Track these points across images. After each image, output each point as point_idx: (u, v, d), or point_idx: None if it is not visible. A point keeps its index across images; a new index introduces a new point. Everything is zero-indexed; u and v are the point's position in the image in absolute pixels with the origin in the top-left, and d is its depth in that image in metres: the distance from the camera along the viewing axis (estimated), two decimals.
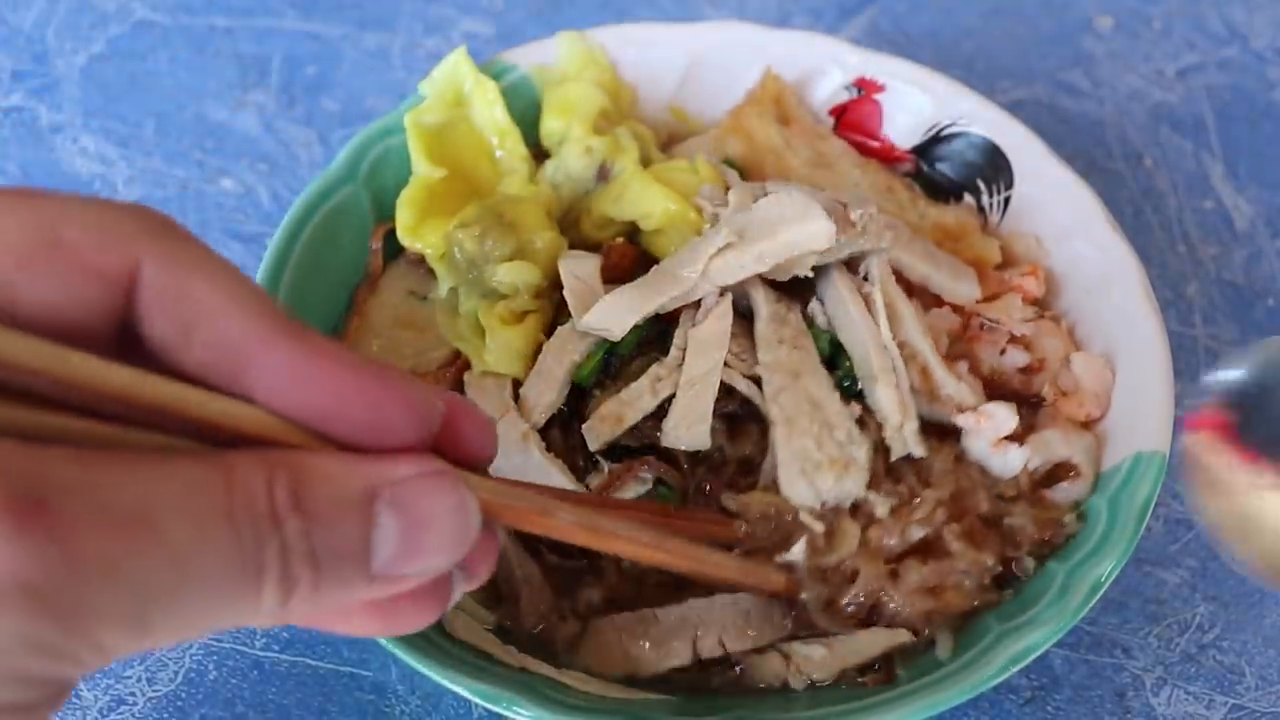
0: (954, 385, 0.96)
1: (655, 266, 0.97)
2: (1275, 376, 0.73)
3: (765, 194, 0.99)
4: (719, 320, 0.95)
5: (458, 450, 0.58)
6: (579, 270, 0.98)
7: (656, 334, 0.97)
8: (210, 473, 0.48)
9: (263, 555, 0.49)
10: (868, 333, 0.95)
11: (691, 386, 0.92)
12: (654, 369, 0.94)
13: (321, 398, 0.52)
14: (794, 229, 0.94)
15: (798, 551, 0.88)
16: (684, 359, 0.94)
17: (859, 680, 0.89)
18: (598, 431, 0.93)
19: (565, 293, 0.96)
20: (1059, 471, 0.97)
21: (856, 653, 0.89)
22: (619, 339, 0.95)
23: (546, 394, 0.95)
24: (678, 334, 0.95)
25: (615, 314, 0.94)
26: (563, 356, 0.96)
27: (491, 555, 0.61)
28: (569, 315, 0.99)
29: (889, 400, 0.93)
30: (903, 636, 0.90)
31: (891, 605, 0.89)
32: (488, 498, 0.58)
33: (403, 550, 0.52)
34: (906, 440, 0.93)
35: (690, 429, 0.92)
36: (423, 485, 0.53)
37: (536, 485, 0.75)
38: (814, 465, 0.89)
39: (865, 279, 0.98)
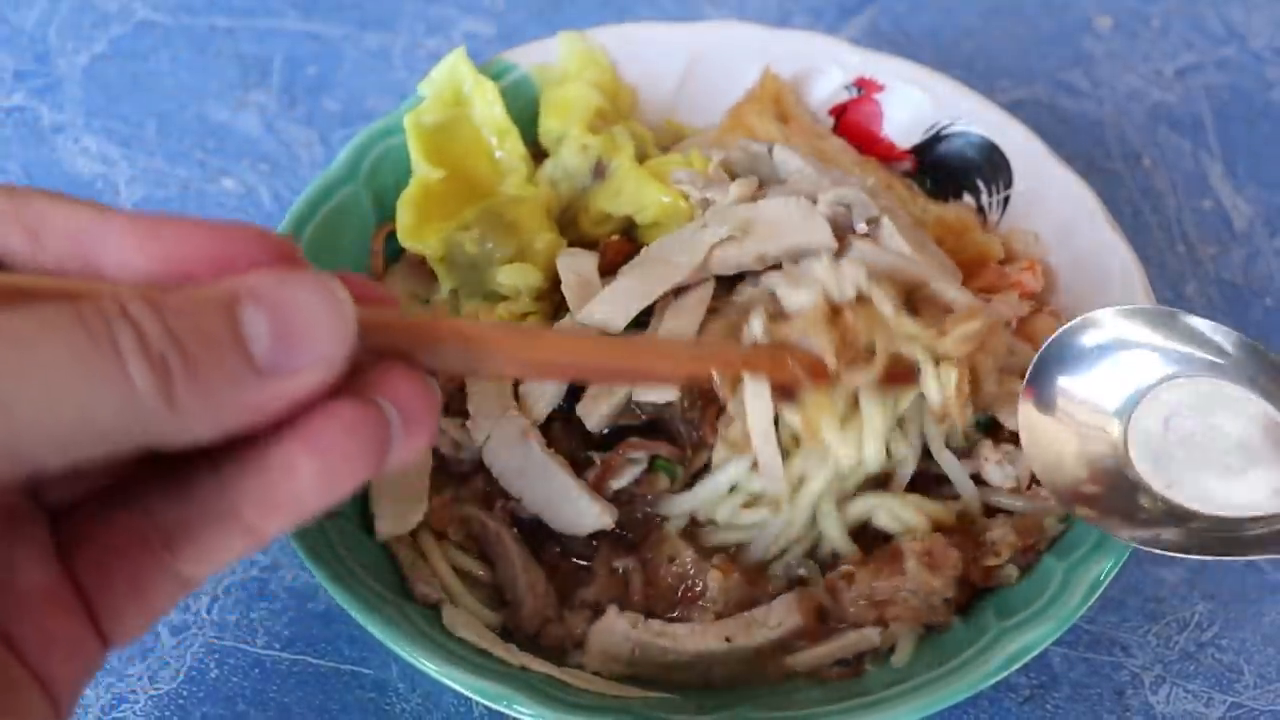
0: (955, 291, 0.93)
1: (648, 250, 0.96)
2: (1069, 343, 0.92)
3: (770, 155, 1.01)
4: (701, 290, 0.94)
5: None
6: (577, 266, 0.98)
7: (645, 320, 0.96)
8: (57, 305, 0.49)
9: (116, 335, 0.48)
10: (883, 254, 0.94)
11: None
12: None
13: (169, 248, 0.54)
14: (797, 236, 0.93)
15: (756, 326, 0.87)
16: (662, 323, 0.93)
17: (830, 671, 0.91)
18: (590, 410, 0.93)
19: (564, 288, 0.96)
20: None
21: (828, 654, 0.90)
22: (620, 330, 0.94)
23: (546, 390, 0.95)
24: (658, 307, 0.95)
25: (615, 306, 0.93)
26: None
27: (428, 406, 0.58)
28: (568, 314, 0.99)
29: (951, 289, 0.92)
30: (873, 640, 0.90)
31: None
32: (368, 317, 0.56)
33: (279, 338, 0.51)
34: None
35: None
36: (283, 280, 0.52)
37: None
38: None
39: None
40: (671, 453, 0.93)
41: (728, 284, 0.95)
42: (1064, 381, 0.92)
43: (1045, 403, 0.92)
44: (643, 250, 0.98)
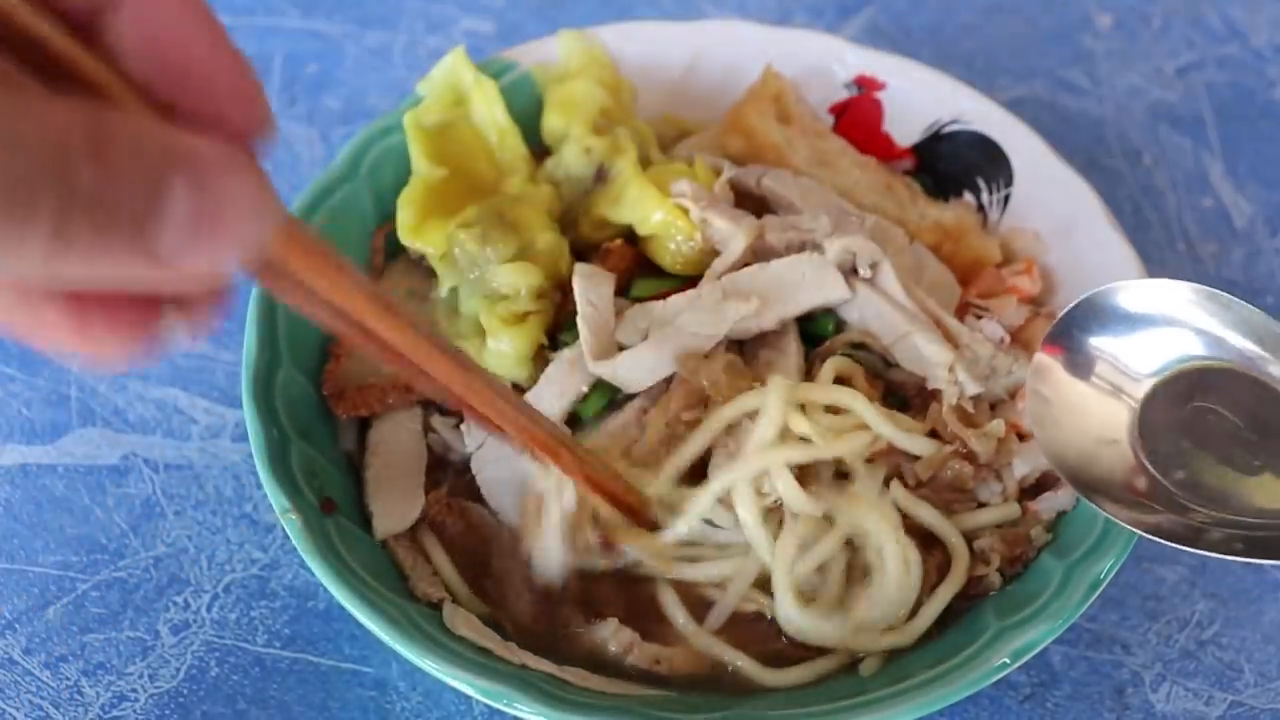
0: (967, 333, 0.97)
1: (669, 308, 0.96)
2: (1090, 312, 0.89)
3: (761, 181, 1.01)
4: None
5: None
6: (594, 295, 0.98)
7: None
8: (17, 96, 0.46)
9: (41, 174, 0.45)
10: (881, 299, 0.96)
11: None
12: (638, 400, 0.96)
13: (167, 57, 0.53)
14: (814, 295, 0.95)
15: None
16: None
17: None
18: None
19: (580, 319, 0.96)
20: (1045, 480, 0.97)
21: (799, 679, 0.91)
22: (633, 393, 0.96)
23: (550, 410, 0.97)
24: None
25: (635, 374, 0.95)
26: (568, 384, 0.97)
27: (220, 303, 0.56)
28: (569, 315, 1.00)
29: (929, 344, 0.95)
30: (833, 664, 0.91)
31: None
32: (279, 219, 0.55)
33: (191, 224, 0.49)
34: (962, 382, 0.95)
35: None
36: (224, 164, 0.50)
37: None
38: None
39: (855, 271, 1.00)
40: None
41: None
42: (1084, 348, 0.88)
43: (1062, 368, 0.88)
44: (667, 303, 0.97)
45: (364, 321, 0.66)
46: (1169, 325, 0.88)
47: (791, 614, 0.89)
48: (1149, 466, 0.85)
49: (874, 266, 0.98)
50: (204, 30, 0.54)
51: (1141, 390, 0.87)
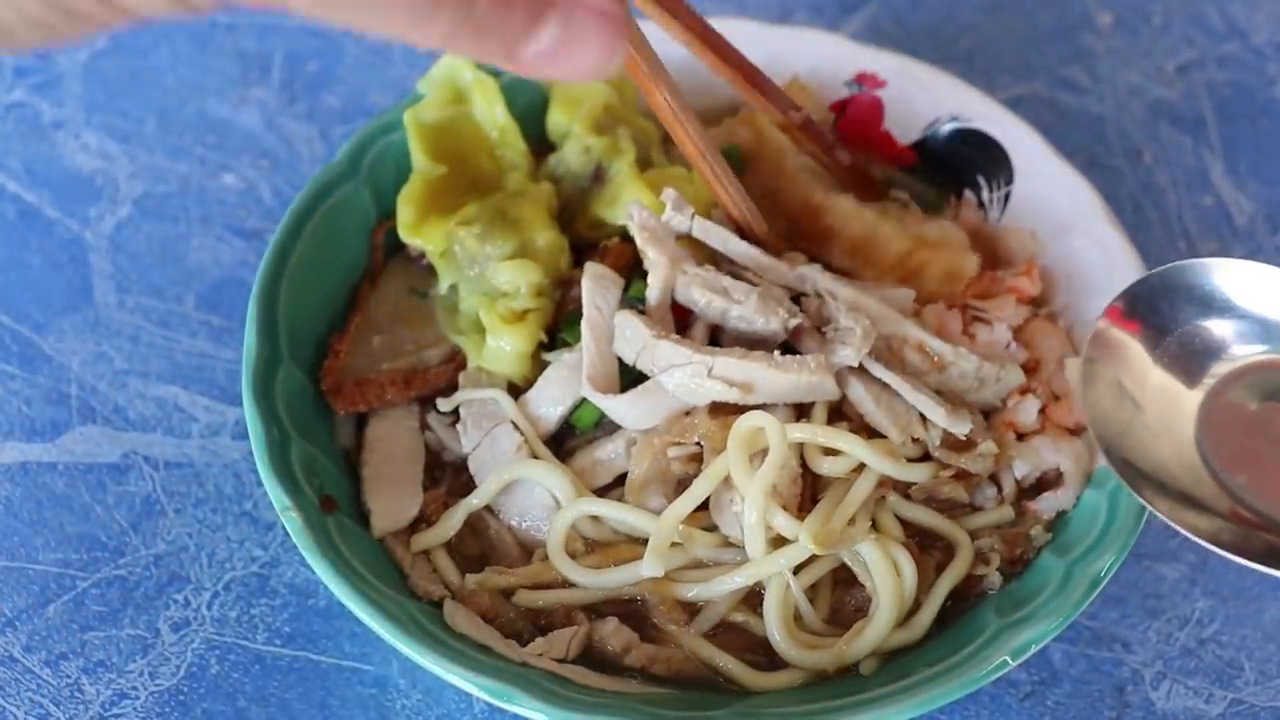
0: (951, 351, 0.97)
1: (661, 378, 0.94)
2: (1166, 285, 0.82)
3: (692, 227, 1.00)
4: None
5: None
6: (601, 300, 0.98)
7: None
8: None
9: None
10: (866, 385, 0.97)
11: None
12: (629, 431, 0.96)
13: None
14: (804, 392, 0.94)
15: None
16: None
17: None
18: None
19: (584, 324, 0.97)
20: (1045, 480, 0.97)
21: (788, 682, 0.90)
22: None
23: (548, 414, 0.98)
24: None
25: (627, 420, 0.95)
26: (566, 390, 0.97)
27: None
28: (569, 313, 1.00)
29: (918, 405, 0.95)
30: (820, 661, 0.90)
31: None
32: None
33: (550, 52, 0.58)
34: (943, 429, 0.95)
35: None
36: (592, 8, 0.58)
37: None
38: None
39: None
40: None
41: None
42: (1156, 324, 0.81)
43: (1126, 342, 0.81)
44: (658, 348, 0.94)
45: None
46: (1254, 314, 0.81)
47: (784, 646, 0.90)
48: (1211, 465, 0.79)
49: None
50: None
51: (1212, 380, 0.80)
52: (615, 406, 0.95)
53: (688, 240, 1.01)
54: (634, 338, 0.95)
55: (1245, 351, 0.82)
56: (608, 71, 0.61)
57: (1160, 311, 0.82)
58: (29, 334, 1.14)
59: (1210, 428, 0.80)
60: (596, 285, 0.99)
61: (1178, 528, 0.78)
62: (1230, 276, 0.83)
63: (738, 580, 0.90)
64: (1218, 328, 0.82)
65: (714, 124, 1.14)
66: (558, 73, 0.60)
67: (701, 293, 0.97)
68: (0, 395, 1.10)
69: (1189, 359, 0.81)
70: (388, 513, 0.97)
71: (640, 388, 0.95)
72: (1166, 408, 0.81)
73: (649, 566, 0.89)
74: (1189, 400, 0.81)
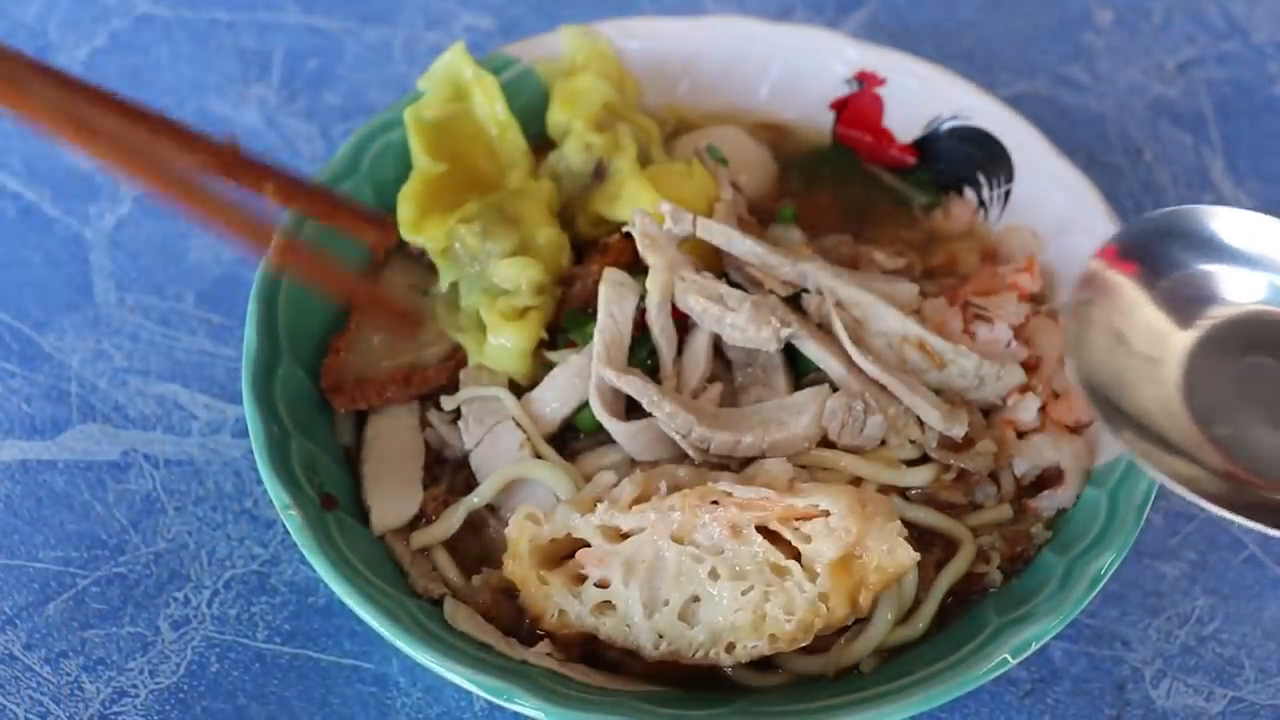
0: (952, 349, 0.97)
1: (654, 417, 0.94)
2: (1164, 228, 0.80)
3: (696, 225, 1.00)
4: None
5: None
6: (617, 307, 0.98)
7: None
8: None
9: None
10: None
11: None
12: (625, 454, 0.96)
13: None
14: (796, 431, 0.94)
15: None
16: None
17: None
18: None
19: (596, 329, 0.97)
20: (1045, 478, 0.97)
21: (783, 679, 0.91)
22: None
23: (551, 414, 0.98)
24: None
25: (628, 447, 0.95)
26: (572, 391, 0.97)
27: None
28: (575, 312, 1.01)
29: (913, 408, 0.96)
30: (816, 666, 0.90)
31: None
32: None
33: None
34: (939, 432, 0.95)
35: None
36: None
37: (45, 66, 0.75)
38: None
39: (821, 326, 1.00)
40: None
41: None
42: (1150, 267, 0.79)
43: (1117, 284, 0.79)
44: (663, 433, 0.94)
45: None
46: (1251, 264, 0.79)
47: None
48: (1196, 413, 0.78)
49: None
50: None
51: (1200, 329, 0.79)
52: (618, 431, 0.95)
53: (694, 240, 1.01)
54: (639, 394, 0.95)
55: (1239, 300, 0.80)
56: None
57: (1156, 255, 0.81)
58: (29, 332, 1.14)
59: (1198, 376, 0.78)
60: (614, 293, 0.99)
61: (1154, 473, 0.77)
62: (1230, 224, 0.81)
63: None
64: (1213, 275, 0.81)
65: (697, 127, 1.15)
66: None
67: (697, 300, 0.97)
68: (0, 393, 1.10)
69: (1182, 305, 0.80)
70: (387, 510, 0.97)
71: (645, 422, 0.95)
72: (1155, 352, 0.79)
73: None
74: (1178, 346, 0.80)
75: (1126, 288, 0.81)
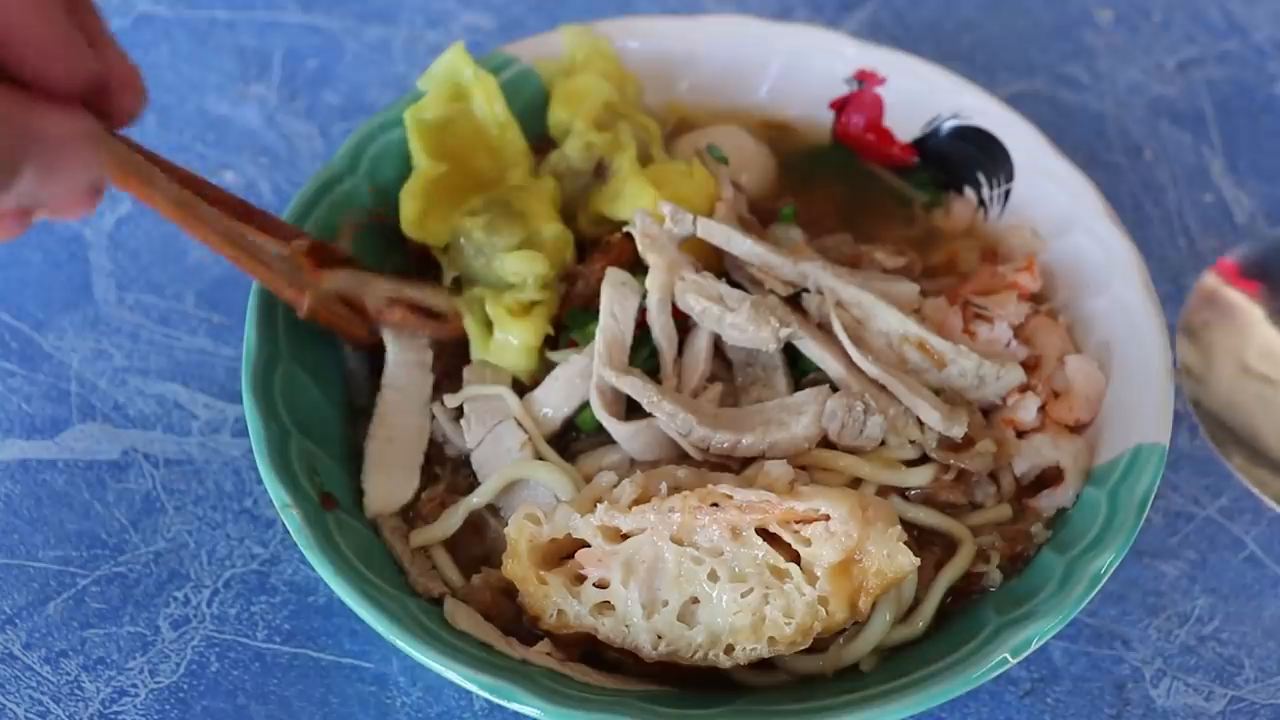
0: (952, 349, 0.97)
1: (654, 417, 0.94)
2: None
3: (696, 223, 1.00)
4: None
5: (108, 103, 0.70)
6: (619, 308, 0.98)
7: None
8: None
9: None
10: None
11: None
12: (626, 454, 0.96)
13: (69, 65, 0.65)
14: (796, 433, 0.94)
15: None
16: None
17: None
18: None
19: (598, 329, 0.97)
20: (1045, 477, 0.97)
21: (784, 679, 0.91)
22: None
23: (553, 414, 0.98)
24: None
25: (628, 447, 0.95)
26: (574, 391, 0.97)
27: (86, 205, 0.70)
28: (577, 311, 1.01)
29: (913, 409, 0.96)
30: (814, 666, 0.90)
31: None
32: (110, 159, 0.76)
33: (33, 192, 0.64)
34: (927, 438, 0.95)
35: None
36: (69, 149, 0.64)
37: (152, 155, 0.88)
38: None
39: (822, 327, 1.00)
40: None
41: None
42: (1262, 295, 0.78)
43: (1245, 305, 0.76)
44: (663, 432, 0.95)
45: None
46: None
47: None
48: None
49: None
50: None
51: None
52: (618, 431, 0.95)
53: (695, 241, 1.01)
54: (639, 395, 0.95)
55: None
56: (81, 211, 0.68)
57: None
58: (29, 331, 1.14)
59: None
60: (616, 293, 0.99)
61: (1268, 500, 0.76)
62: None
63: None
64: None
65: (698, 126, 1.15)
66: (53, 211, 0.67)
67: (697, 299, 0.97)
68: (0, 392, 1.10)
69: None
70: (381, 494, 0.97)
71: (645, 422, 0.95)
72: (1275, 374, 0.77)
73: None
74: None
75: (1246, 307, 0.80)
